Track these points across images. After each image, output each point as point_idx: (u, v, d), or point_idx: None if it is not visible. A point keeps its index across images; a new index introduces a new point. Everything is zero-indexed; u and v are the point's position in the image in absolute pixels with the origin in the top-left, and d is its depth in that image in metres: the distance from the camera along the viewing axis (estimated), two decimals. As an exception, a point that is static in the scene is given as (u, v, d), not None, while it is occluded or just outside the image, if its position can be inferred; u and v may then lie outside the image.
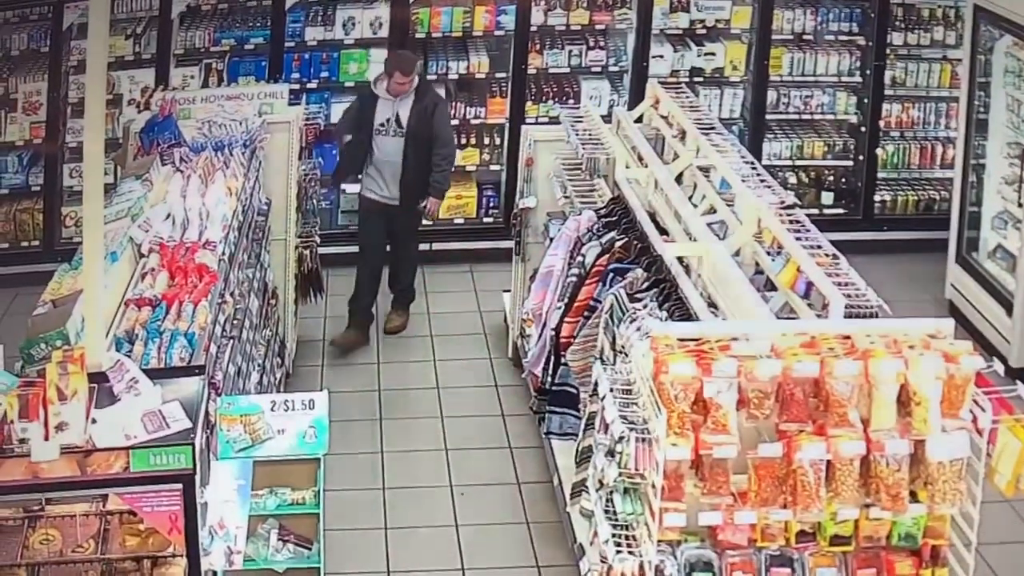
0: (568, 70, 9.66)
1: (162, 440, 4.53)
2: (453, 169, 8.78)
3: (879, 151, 9.84)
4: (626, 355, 5.01)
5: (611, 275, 6.14)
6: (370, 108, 8.27)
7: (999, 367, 4.68)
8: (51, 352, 4.80)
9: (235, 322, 6.16)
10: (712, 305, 5.50)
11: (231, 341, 5.92)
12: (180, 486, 4.52)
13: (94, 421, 4.57)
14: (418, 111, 8.20)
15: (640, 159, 7.04)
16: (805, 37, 9.76)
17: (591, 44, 9.63)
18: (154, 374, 4.88)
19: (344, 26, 9.39)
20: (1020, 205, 8.15)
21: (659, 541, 4.58)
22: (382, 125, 8.25)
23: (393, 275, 8.72)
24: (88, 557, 4.74)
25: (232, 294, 6.21)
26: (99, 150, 4.89)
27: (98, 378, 4.76)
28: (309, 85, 9.43)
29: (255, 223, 7.16)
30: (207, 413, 4.88)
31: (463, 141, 9.68)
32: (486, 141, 9.71)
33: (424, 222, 8.96)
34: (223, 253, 6.07)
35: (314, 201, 8.32)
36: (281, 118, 7.84)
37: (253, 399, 5.18)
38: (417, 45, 9.60)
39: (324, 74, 9.46)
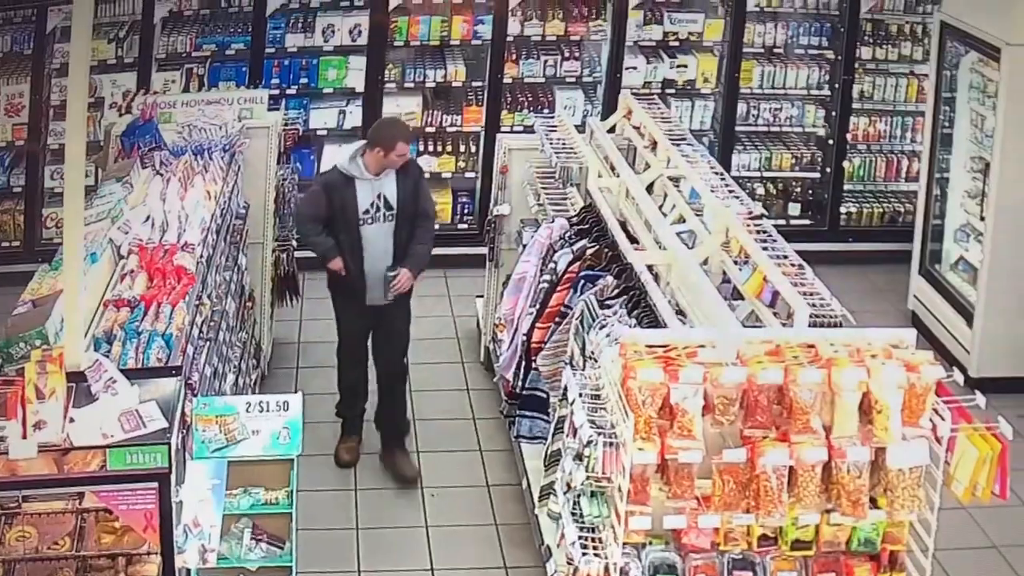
0: (543, 80, 9.74)
1: (139, 439, 4.55)
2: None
3: (846, 163, 9.96)
4: (595, 361, 5.05)
5: (582, 282, 6.20)
6: (346, 195, 6.82)
7: (959, 377, 4.76)
8: (30, 351, 4.81)
9: (212, 324, 6.18)
10: (680, 313, 5.56)
11: (208, 343, 5.96)
12: (156, 485, 4.54)
13: (72, 420, 4.60)
14: (406, 186, 6.91)
15: (612, 168, 7.09)
16: (775, 51, 9.88)
17: (566, 55, 9.72)
18: (132, 374, 4.91)
19: (324, 33, 9.43)
20: (982, 218, 8.25)
21: (624, 543, 4.62)
22: (367, 212, 6.84)
23: (383, 406, 7.26)
24: (64, 554, 4.76)
25: (209, 296, 6.24)
26: (80, 152, 4.92)
27: (76, 377, 4.78)
28: (288, 91, 9.47)
29: (233, 226, 7.19)
30: (183, 413, 4.90)
31: (439, 148, 9.76)
32: (461, 149, 9.77)
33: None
34: (201, 256, 6.10)
35: (291, 205, 8.33)
36: (260, 123, 7.88)
37: (229, 400, 5.20)
38: (395, 53, 9.67)
39: (304, 80, 9.52)
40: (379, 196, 6.86)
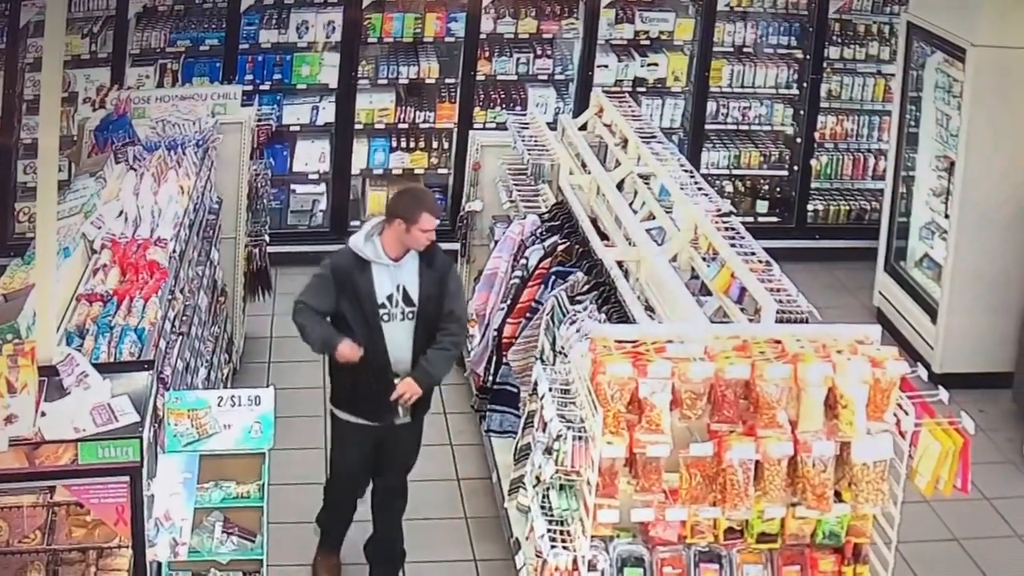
0: (516, 77, 9.77)
1: (110, 433, 4.54)
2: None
3: (813, 162, 10.05)
4: (565, 356, 5.09)
5: (553, 278, 6.25)
6: (360, 281, 5.63)
7: (923, 372, 4.81)
8: (2, 345, 4.75)
9: (184, 318, 6.19)
10: (649, 308, 5.62)
11: (180, 337, 5.97)
12: (127, 478, 4.54)
13: (43, 414, 4.58)
14: (431, 278, 5.70)
15: (583, 166, 7.14)
16: (745, 50, 9.95)
17: (538, 52, 9.76)
18: (104, 368, 4.89)
19: (298, 29, 9.44)
20: (947, 216, 8.34)
21: (593, 536, 4.65)
22: (383, 306, 5.68)
23: (379, 532, 6.20)
24: (34, 548, 4.74)
25: (182, 291, 6.25)
26: (53, 147, 4.91)
27: (48, 371, 4.76)
28: (262, 87, 9.46)
29: (206, 221, 7.18)
30: (155, 407, 4.90)
31: (412, 145, 9.77)
32: (434, 145, 9.79)
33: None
34: (174, 250, 6.10)
35: (264, 200, 8.35)
36: (234, 119, 7.87)
37: (200, 394, 5.20)
38: (369, 50, 9.66)
39: (277, 76, 9.50)
40: (398, 287, 5.68)
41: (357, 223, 9.65)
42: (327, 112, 9.61)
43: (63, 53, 5.23)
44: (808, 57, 9.91)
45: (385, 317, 5.68)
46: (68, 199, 6.35)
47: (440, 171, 9.86)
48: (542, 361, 5.66)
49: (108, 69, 9.19)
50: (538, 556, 4.96)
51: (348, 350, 5.66)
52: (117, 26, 9.21)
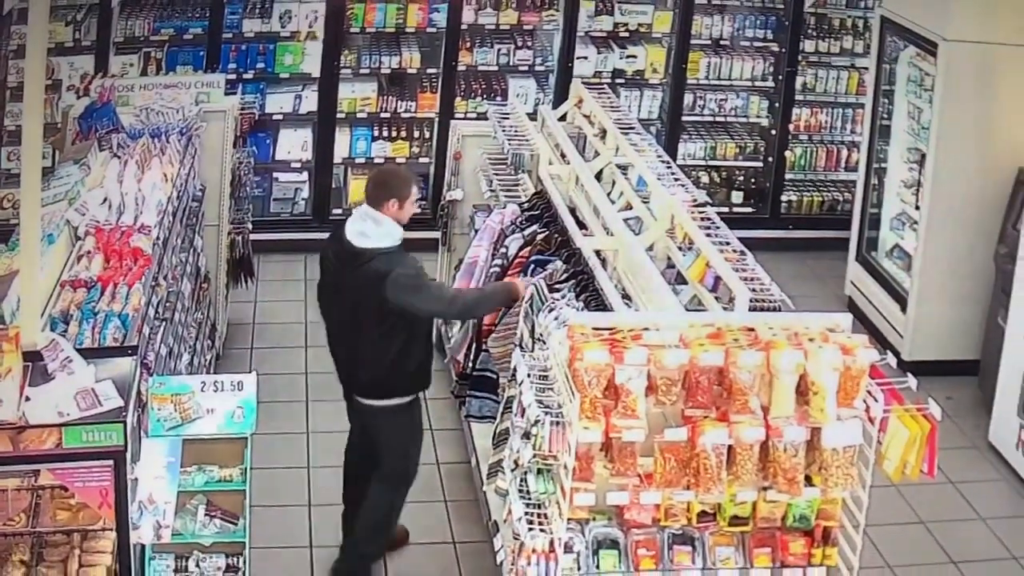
0: (496, 68, 9.80)
1: (94, 417, 4.56)
2: None
3: (788, 153, 10.10)
4: (544, 343, 5.10)
5: (532, 266, 6.29)
6: None
7: (892, 360, 4.86)
8: None
9: (168, 304, 6.20)
10: (626, 296, 5.65)
11: (163, 323, 5.98)
12: (111, 462, 4.57)
13: (28, 398, 4.60)
14: None
15: (563, 156, 7.17)
16: (722, 42, 10.00)
17: (519, 44, 9.80)
18: (88, 354, 4.92)
19: (281, 19, 9.45)
20: (917, 208, 8.41)
21: (569, 519, 4.67)
22: None
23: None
24: (19, 530, 4.77)
25: (165, 277, 6.25)
26: (37, 134, 4.91)
27: (33, 356, 4.78)
28: (245, 76, 9.45)
29: (189, 209, 7.18)
30: (139, 392, 4.92)
31: (394, 134, 9.79)
32: (416, 134, 9.81)
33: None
34: (157, 237, 6.10)
35: (247, 188, 8.35)
36: (217, 107, 7.87)
37: (184, 379, 5.18)
38: (351, 39, 9.66)
39: (260, 65, 9.51)
40: None
41: (339, 211, 9.72)
42: (310, 101, 9.62)
43: (47, 40, 5.22)
44: (784, 50, 9.96)
45: None
46: (52, 186, 6.34)
47: (421, 160, 9.86)
48: (521, 348, 5.67)
49: (92, 57, 9.16)
50: (516, 539, 5.00)
51: (523, 284, 6.02)
52: (101, 14, 9.19)
